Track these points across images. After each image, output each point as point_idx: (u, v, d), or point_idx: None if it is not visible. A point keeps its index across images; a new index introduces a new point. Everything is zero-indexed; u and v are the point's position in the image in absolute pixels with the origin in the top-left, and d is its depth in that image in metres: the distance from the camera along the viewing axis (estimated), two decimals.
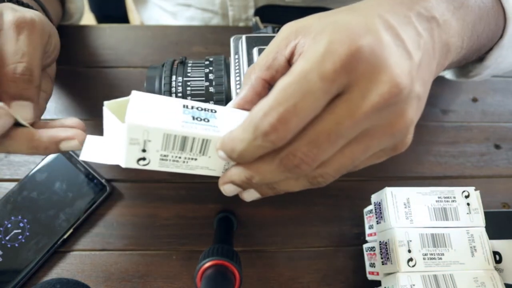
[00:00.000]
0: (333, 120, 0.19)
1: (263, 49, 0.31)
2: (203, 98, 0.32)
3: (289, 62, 0.23)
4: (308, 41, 0.20)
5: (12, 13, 0.24)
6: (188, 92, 0.32)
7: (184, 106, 0.22)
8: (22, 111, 0.23)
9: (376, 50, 0.18)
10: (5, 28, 0.23)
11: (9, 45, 0.23)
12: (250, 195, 0.24)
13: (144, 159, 0.22)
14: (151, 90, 0.32)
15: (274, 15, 0.49)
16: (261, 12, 0.49)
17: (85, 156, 0.23)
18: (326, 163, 0.21)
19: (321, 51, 0.18)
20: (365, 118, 0.19)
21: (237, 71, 0.31)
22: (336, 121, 0.19)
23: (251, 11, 0.50)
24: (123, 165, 0.22)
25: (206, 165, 0.23)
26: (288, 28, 0.23)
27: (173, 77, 0.33)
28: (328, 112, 0.19)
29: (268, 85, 0.24)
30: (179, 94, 0.32)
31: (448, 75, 0.40)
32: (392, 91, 0.18)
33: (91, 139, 0.24)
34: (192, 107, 0.22)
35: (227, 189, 0.24)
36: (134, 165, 0.22)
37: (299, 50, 0.21)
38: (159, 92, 0.32)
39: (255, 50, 0.31)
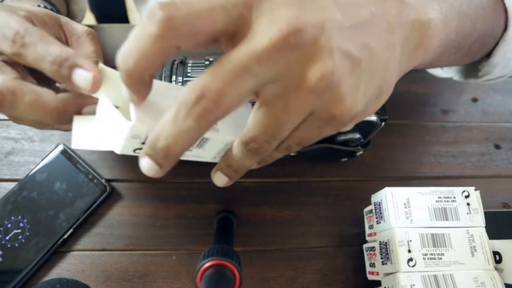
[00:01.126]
0: (238, 55, 0.17)
1: None
2: None
3: None
4: None
5: (77, 24, 0.29)
6: None
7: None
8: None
9: (315, 26, 0.17)
10: (79, 34, 0.29)
11: (87, 47, 0.29)
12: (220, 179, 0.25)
13: (141, 149, 0.22)
14: None
15: None
16: None
17: (76, 144, 0.23)
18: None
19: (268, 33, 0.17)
20: (267, 57, 0.17)
21: None
22: (240, 56, 0.17)
23: None
24: (118, 152, 0.22)
25: (198, 154, 0.24)
26: None
27: (173, 77, 0.33)
28: (233, 50, 0.17)
29: None
30: None
31: (456, 76, 0.39)
32: (290, 31, 0.16)
33: (79, 121, 0.24)
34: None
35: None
36: (129, 153, 0.23)
37: None
38: None
39: None
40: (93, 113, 0.24)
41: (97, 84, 0.23)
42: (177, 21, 0.17)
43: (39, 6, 0.32)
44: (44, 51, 0.23)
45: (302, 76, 0.17)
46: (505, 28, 0.30)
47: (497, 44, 0.31)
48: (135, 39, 0.18)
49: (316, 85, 0.17)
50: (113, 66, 0.46)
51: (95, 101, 0.24)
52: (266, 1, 0.17)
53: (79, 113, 0.25)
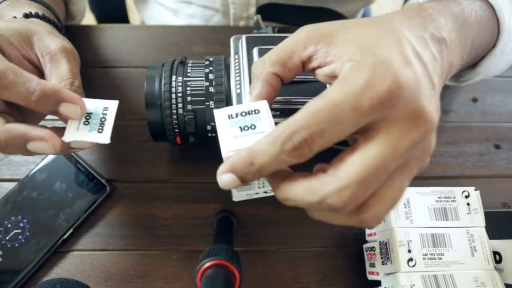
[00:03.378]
0: (376, 157, 0.19)
1: (263, 49, 0.31)
2: (203, 98, 0.32)
3: (304, 65, 0.23)
4: (341, 62, 0.21)
5: (52, 39, 0.28)
6: (188, 92, 0.32)
7: (229, 116, 0.23)
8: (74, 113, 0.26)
9: (413, 87, 0.19)
10: (52, 52, 0.28)
11: (61, 66, 0.27)
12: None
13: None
14: (151, 90, 0.32)
15: (275, 14, 0.49)
16: (262, 10, 0.49)
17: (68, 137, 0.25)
18: (373, 200, 0.21)
19: (361, 84, 0.19)
20: (407, 152, 0.20)
21: (237, 71, 0.31)
22: (380, 156, 0.19)
23: (252, 9, 0.50)
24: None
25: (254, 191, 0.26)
26: (309, 31, 0.23)
27: (173, 77, 0.33)
28: (368, 148, 0.20)
29: (281, 80, 0.24)
30: (179, 94, 0.32)
31: None
32: (429, 128, 0.20)
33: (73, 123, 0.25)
34: (237, 115, 0.23)
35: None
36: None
37: (320, 59, 0.22)
38: (159, 92, 0.32)
39: (255, 50, 0.31)
40: (38, 150, 0.24)
41: (84, 111, 0.25)
42: (314, 147, 0.20)
43: (30, 13, 0.32)
44: (25, 91, 0.23)
45: (422, 153, 0.21)
46: (494, 45, 0.33)
47: (484, 56, 0.34)
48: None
49: (428, 156, 0.22)
50: (113, 67, 0.46)
51: (41, 138, 0.24)
52: (401, 100, 0.19)
53: (23, 148, 0.24)
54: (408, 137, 0.19)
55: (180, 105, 0.32)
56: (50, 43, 0.28)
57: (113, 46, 0.45)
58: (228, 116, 0.23)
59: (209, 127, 0.33)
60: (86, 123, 0.25)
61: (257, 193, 0.26)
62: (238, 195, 0.25)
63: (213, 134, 0.33)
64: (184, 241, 0.36)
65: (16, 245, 0.33)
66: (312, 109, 0.19)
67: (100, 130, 0.25)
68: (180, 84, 0.32)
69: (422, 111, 0.19)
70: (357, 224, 0.22)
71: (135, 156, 0.39)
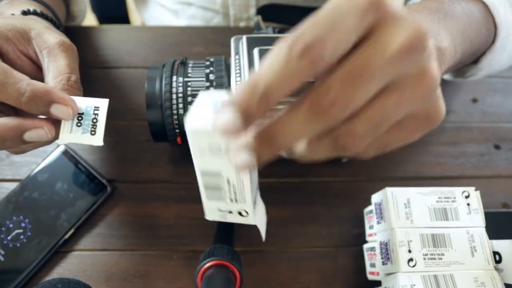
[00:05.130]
0: (365, 58, 0.17)
1: (264, 49, 0.31)
2: None
3: None
4: None
5: (51, 34, 0.28)
6: (189, 93, 0.32)
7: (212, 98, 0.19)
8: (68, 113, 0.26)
9: (401, 6, 0.19)
10: (50, 47, 0.27)
11: (59, 60, 0.27)
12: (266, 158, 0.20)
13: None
14: (152, 91, 0.33)
15: (275, 15, 0.49)
16: (262, 11, 0.49)
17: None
18: (355, 116, 0.19)
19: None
20: (395, 60, 0.18)
21: (238, 71, 0.32)
22: (367, 58, 0.17)
23: (253, 10, 0.50)
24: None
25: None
26: None
27: (174, 78, 0.33)
28: (358, 51, 0.18)
29: None
30: (180, 95, 0.32)
31: (446, 76, 0.42)
32: (420, 35, 0.18)
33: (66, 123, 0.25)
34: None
35: (245, 160, 0.19)
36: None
37: None
38: (160, 92, 0.32)
39: (255, 51, 0.31)
40: (36, 138, 0.24)
41: (75, 112, 0.25)
42: (325, 50, 0.17)
43: (28, 10, 0.32)
44: (16, 91, 0.23)
45: (416, 75, 0.19)
46: (493, 41, 0.34)
47: (484, 52, 0.35)
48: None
49: (428, 86, 0.19)
50: (114, 67, 0.46)
51: (36, 126, 0.24)
52: (391, 5, 0.18)
53: (20, 139, 0.24)
54: (395, 39, 0.17)
55: (180, 105, 0.32)
56: (48, 37, 0.28)
57: (113, 46, 0.45)
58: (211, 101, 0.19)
59: None
60: (79, 124, 0.25)
61: (230, 212, 0.24)
62: (210, 209, 0.23)
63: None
64: (184, 241, 0.36)
65: (18, 245, 0.34)
66: (315, 15, 0.17)
67: (92, 132, 0.25)
68: (180, 84, 0.32)
69: (409, 19, 0.18)
70: (346, 145, 0.19)
71: (136, 157, 0.39)
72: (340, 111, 0.18)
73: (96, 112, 0.25)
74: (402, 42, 0.18)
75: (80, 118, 0.25)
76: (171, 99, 0.32)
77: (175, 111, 0.32)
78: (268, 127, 0.18)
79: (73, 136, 0.25)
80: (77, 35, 0.45)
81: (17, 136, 0.24)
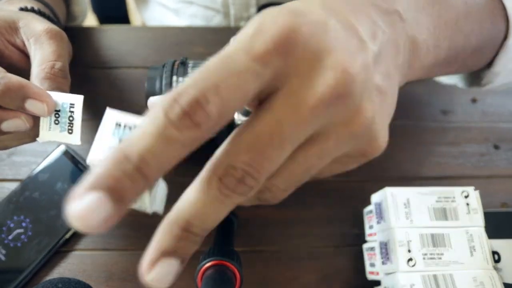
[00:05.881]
0: (273, 119, 0.15)
1: None
2: None
3: None
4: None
5: (40, 23, 0.27)
6: None
7: (117, 124, 0.18)
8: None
9: (317, 32, 0.15)
10: (37, 34, 0.26)
11: (45, 48, 0.26)
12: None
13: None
14: (152, 91, 0.33)
15: None
16: (262, 10, 0.49)
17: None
18: (274, 175, 0.17)
19: (251, 30, 0.15)
20: (312, 115, 0.15)
21: None
22: (277, 119, 0.15)
23: (253, 10, 0.50)
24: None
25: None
26: None
27: (174, 78, 0.33)
28: (266, 110, 0.15)
29: None
30: None
31: (460, 84, 0.38)
32: (341, 80, 0.15)
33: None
34: (125, 126, 0.18)
35: (160, 274, 0.17)
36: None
37: None
38: (160, 92, 0.33)
39: None
40: (13, 128, 0.24)
41: (51, 109, 0.24)
42: (212, 109, 0.14)
43: (25, 7, 0.31)
44: None
45: (343, 122, 0.16)
46: (505, 37, 0.29)
47: (497, 53, 0.30)
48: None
49: (359, 131, 0.16)
50: (114, 67, 0.46)
51: (13, 116, 0.24)
52: (301, 44, 0.15)
53: (21, 103, 0.23)
54: (311, 91, 0.15)
55: None
56: (35, 25, 0.27)
57: (114, 47, 0.45)
58: (117, 123, 0.18)
59: None
60: (56, 122, 0.24)
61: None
62: None
63: (213, 135, 0.33)
64: None
65: (19, 244, 0.34)
66: (201, 68, 0.15)
67: (70, 131, 0.24)
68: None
69: (330, 57, 0.15)
70: (253, 201, 0.19)
71: None
72: (255, 182, 0.15)
73: (72, 109, 0.24)
74: (320, 94, 0.14)
75: (57, 116, 0.24)
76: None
77: None
78: (177, 220, 0.15)
79: (52, 134, 0.24)
80: (77, 36, 0.45)
81: (19, 98, 0.23)
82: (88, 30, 0.46)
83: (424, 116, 0.44)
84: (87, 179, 0.13)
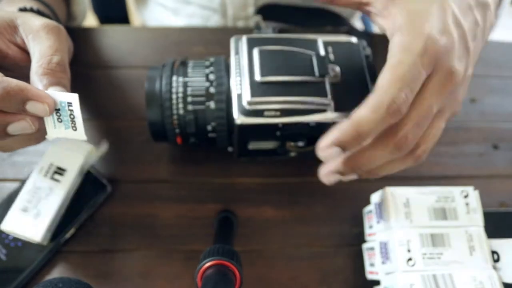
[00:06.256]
0: (426, 103, 0.25)
1: (264, 50, 0.31)
2: (204, 99, 0.32)
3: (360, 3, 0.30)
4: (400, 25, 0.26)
5: (38, 19, 0.27)
6: (189, 93, 0.32)
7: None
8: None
9: (449, 50, 0.25)
10: (35, 30, 0.26)
11: (43, 43, 0.26)
12: (349, 178, 0.29)
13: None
14: (152, 90, 0.33)
15: (274, 14, 0.50)
16: (261, 10, 0.49)
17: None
18: (423, 139, 0.26)
19: (420, 48, 0.24)
20: (443, 98, 0.25)
21: (237, 71, 0.32)
22: (428, 103, 0.25)
23: (251, 9, 0.50)
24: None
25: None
26: None
27: (174, 78, 0.33)
28: (422, 97, 0.25)
29: None
30: (180, 95, 0.32)
31: None
32: (456, 82, 0.25)
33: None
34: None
35: (332, 179, 0.29)
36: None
37: (377, 8, 0.28)
38: (159, 93, 0.33)
39: (255, 51, 0.31)
40: (20, 131, 0.24)
41: (52, 108, 0.24)
42: (408, 103, 0.25)
43: (25, 7, 0.31)
44: None
45: (453, 100, 0.28)
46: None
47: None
48: None
49: (459, 104, 0.28)
50: (114, 67, 0.46)
51: (19, 118, 0.24)
52: (441, 58, 0.25)
53: (4, 132, 0.24)
54: (443, 89, 0.25)
55: (180, 105, 0.32)
56: (33, 22, 0.27)
57: (114, 47, 0.45)
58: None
59: (209, 128, 0.33)
60: (60, 120, 0.25)
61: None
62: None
63: (214, 135, 0.33)
64: (184, 241, 0.36)
65: (19, 244, 0.34)
66: (399, 72, 0.24)
67: (74, 128, 0.25)
68: (180, 84, 0.33)
69: (451, 70, 0.25)
70: (412, 163, 0.28)
71: (136, 156, 0.39)
72: (412, 145, 0.26)
73: (70, 108, 0.24)
74: (447, 87, 0.25)
75: (58, 114, 0.25)
76: (171, 99, 0.32)
77: (175, 111, 0.32)
78: (356, 156, 0.26)
79: (59, 131, 0.25)
80: (77, 36, 0.45)
81: (19, 101, 0.23)
82: (88, 30, 0.46)
83: None
84: (331, 139, 0.25)
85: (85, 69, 0.44)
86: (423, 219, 0.31)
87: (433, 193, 0.31)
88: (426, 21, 0.25)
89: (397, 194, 0.31)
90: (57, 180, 0.31)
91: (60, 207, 0.31)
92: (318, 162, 0.39)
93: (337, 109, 0.31)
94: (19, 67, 0.28)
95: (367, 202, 0.35)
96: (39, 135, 0.26)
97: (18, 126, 0.24)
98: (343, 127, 0.24)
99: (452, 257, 0.29)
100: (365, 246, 0.35)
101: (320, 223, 0.38)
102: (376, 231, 0.33)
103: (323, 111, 0.31)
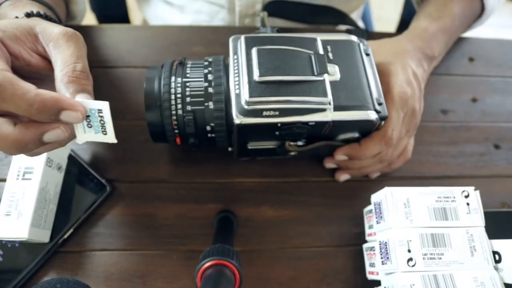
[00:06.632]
0: (400, 132, 0.36)
1: (262, 49, 0.31)
2: (202, 99, 0.32)
3: None
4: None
5: (55, 27, 0.28)
6: (187, 93, 0.32)
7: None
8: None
9: (412, 95, 0.36)
10: (55, 38, 0.27)
11: (64, 51, 0.27)
12: (344, 177, 0.39)
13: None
14: (151, 91, 0.33)
15: (281, 11, 0.50)
16: (268, 7, 0.49)
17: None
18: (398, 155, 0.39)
19: (397, 103, 0.35)
20: (408, 127, 0.37)
21: (236, 71, 0.32)
22: (401, 132, 0.37)
23: (259, 6, 0.50)
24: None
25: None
26: None
27: (172, 78, 0.33)
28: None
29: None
30: (178, 95, 0.32)
31: None
32: (417, 115, 0.38)
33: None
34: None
35: (330, 166, 0.39)
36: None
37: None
38: (158, 93, 0.32)
39: (254, 50, 0.31)
40: (54, 138, 0.25)
41: (84, 116, 0.25)
42: None
43: (31, 12, 0.31)
44: (24, 103, 0.23)
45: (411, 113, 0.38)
46: (479, 16, 0.46)
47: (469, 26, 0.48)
48: None
49: (417, 114, 0.38)
50: (113, 67, 0.46)
51: (54, 127, 0.25)
52: (409, 106, 0.37)
53: (40, 141, 0.25)
54: (408, 122, 0.37)
55: (179, 106, 0.32)
56: (52, 30, 0.28)
57: (113, 46, 0.45)
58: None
59: (208, 128, 0.33)
60: (89, 126, 0.26)
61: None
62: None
63: (213, 135, 0.33)
64: (184, 241, 0.36)
65: (17, 245, 0.33)
66: (391, 122, 0.35)
67: (104, 132, 0.26)
68: (179, 85, 0.32)
69: (415, 109, 0.37)
70: (386, 169, 0.39)
71: (135, 156, 0.39)
72: (392, 158, 0.38)
73: (100, 114, 0.26)
74: (409, 121, 0.37)
75: (88, 120, 0.26)
76: (169, 99, 0.32)
77: (173, 112, 0.32)
78: (356, 161, 0.38)
79: (88, 136, 0.26)
80: None
81: (37, 139, 0.24)
82: (88, 29, 0.46)
83: (424, 115, 0.44)
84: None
85: None
86: (424, 219, 0.30)
87: (434, 193, 0.31)
88: (395, 78, 0.36)
89: (397, 194, 0.31)
90: (28, 179, 0.32)
91: (39, 201, 0.32)
92: (317, 160, 0.39)
93: (336, 108, 0.31)
94: (40, 75, 0.29)
95: (367, 202, 0.35)
96: (68, 139, 0.27)
97: (53, 135, 0.25)
98: (353, 148, 0.36)
99: (453, 257, 0.29)
100: (365, 246, 0.35)
101: (320, 223, 0.37)
102: (376, 231, 0.33)
103: (323, 110, 0.30)
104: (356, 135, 0.34)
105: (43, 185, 0.33)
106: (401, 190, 0.31)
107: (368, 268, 0.34)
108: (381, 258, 0.31)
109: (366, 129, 0.34)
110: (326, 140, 0.34)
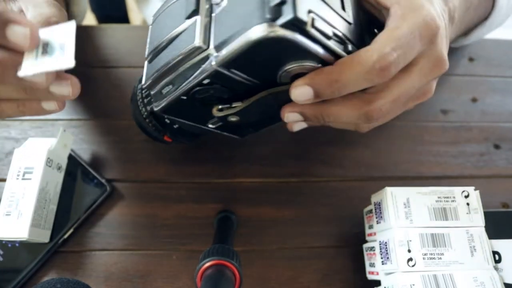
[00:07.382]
0: (410, 82, 0.25)
1: (153, 25, 0.28)
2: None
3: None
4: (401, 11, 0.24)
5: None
6: (145, 94, 0.32)
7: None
8: None
9: (441, 34, 0.25)
10: (35, 2, 0.25)
11: (44, 9, 0.24)
12: (299, 125, 0.28)
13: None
14: (134, 91, 0.32)
15: None
16: None
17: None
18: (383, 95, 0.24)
19: (420, 21, 0.23)
20: (426, 82, 0.25)
21: None
22: (412, 82, 0.25)
23: None
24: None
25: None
26: None
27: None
28: (407, 74, 0.24)
29: None
30: (144, 91, 0.32)
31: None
32: (443, 68, 0.25)
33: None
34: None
35: (296, 127, 0.28)
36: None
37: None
38: (134, 91, 0.32)
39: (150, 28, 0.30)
40: (15, 38, 0.21)
41: (35, 38, 0.21)
42: (398, 68, 0.23)
43: None
44: None
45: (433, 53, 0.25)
46: (487, 18, 0.39)
47: (476, 26, 0.41)
48: None
49: (440, 59, 0.26)
50: (113, 67, 0.46)
51: (21, 22, 0.21)
52: (433, 30, 0.24)
53: (2, 31, 0.21)
54: (429, 73, 0.25)
55: (145, 101, 0.31)
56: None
57: (113, 46, 0.45)
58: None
59: (167, 121, 0.31)
60: (44, 52, 0.22)
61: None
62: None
63: (175, 126, 0.32)
64: (184, 241, 0.36)
65: (17, 244, 0.33)
66: (395, 34, 0.22)
67: (62, 55, 0.22)
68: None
69: (442, 57, 0.25)
70: (366, 129, 0.27)
71: (135, 156, 0.39)
72: (382, 117, 0.25)
73: (63, 36, 0.22)
74: (431, 71, 0.25)
75: (45, 47, 0.22)
76: (140, 99, 0.31)
77: (143, 110, 0.31)
78: (325, 105, 0.25)
79: (39, 65, 0.21)
80: (77, 35, 0.45)
81: (14, 70, 0.21)
82: (88, 29, 0.46)
83: (424, 115, 0.44)
84: (309, 77, 0.23)
85: (84, 68, 0.43)
86: (424, 219, 0.30)
87: (434, 193, 0.31)
88: (424, 3, 0.25)
89: (397, 194, 0.31)
90: (28, 179, 0.32)
91: (39, 201, 0.32)
92: (318, 162, 0.39)
93: (218, 48, 0.22)
94: None
95: (368, 202, 0.35)
96: (32, 104, 0.24)
97: (18, 31, 0.21)
98: (324, 70, 0.22)
99: (453, 257, 0.29)
100: (365, 246, 0.35)
101: (320, 223, 0.37)
102: (376, 231, 0.33)
103: (205, 60, 0.23)
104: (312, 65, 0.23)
105: (43, 185, 0.33)
106: (401, 190, 0.31)
107: (368, 268, 0.34)
108: (381, 258, 0.31)
109: (299, 54, 0.22)
110: (265, 88, 0.25)
